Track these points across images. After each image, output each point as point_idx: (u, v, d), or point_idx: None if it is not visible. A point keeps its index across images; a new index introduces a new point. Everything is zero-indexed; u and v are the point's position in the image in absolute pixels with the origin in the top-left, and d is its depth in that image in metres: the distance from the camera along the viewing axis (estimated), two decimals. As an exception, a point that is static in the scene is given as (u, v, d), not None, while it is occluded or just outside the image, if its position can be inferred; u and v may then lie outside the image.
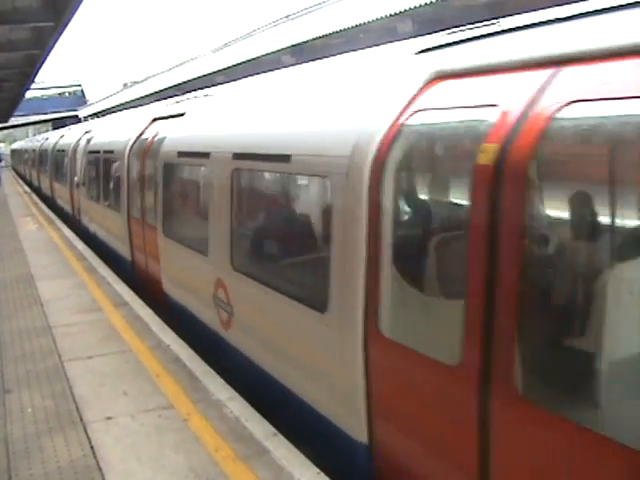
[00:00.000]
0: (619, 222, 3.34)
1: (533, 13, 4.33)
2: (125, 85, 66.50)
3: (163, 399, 6.12)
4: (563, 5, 4.12)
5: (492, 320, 3.43)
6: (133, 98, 53.02)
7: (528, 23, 4.19)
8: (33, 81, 30.69)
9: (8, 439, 5.49)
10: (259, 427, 5.44)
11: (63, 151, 22.44)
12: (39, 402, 6.22)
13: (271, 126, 6.47)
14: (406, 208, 4.87)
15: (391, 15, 20.06)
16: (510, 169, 3.37)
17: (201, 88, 11.57)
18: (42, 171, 31.43)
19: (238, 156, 6.69)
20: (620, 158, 3.28)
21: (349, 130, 4.82)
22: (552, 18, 4.03)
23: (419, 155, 4.69)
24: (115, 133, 14.22)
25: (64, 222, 20.06)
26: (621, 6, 3.54)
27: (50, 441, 5.42)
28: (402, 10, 19.49)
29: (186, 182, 9.41)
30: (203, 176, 8.19)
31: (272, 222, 7.03)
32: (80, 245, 15.38)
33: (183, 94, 12.88)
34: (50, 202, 26.52)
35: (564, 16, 3.94)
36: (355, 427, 4.67)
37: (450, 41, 4.74)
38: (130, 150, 11.62)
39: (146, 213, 10.57)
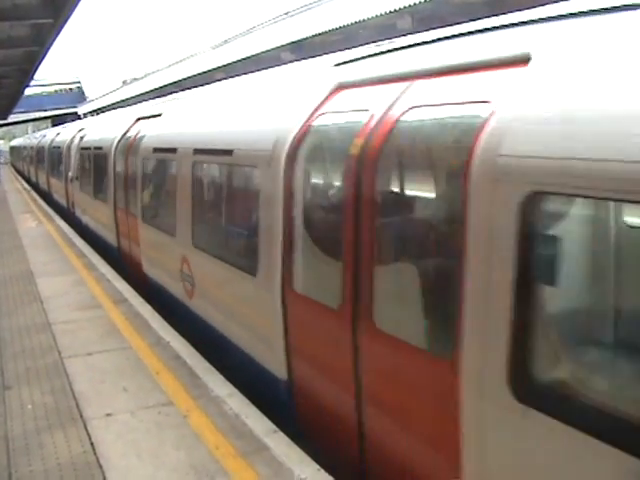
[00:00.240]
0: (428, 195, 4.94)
1: (420, 34, 5.51)
2: (124, 82, 66.40)
3: (163, 396, 6.13)
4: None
5: (359, 273, 4.59)
6: (132, 95, 52.96)
7: (411, 43, 5.34)
8: (32, 78, 30.63)
9: (8, 436, 5.50)
10: (259, 424, 5.44)
11: (59, 148, 23.75)
12: (39, 399, 6.23)
13: (220, 126, 7.95)
14: (309, 189, 5.92)
15: (390, 12, 20.05)
16: (366, 159, 4.60)
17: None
18: (39, 167, 32.91)
19: (197, 151, 8.04)
20: (434, 151, 4.67)
21: (272, 129, 6.04)
22: (428, 39, 5.13)
23: (318, 148, 5.79)
24: (104, 131, 15.46)
25: (60, 215, 21.06)
26: (470, 32, 4.73)
27: (50, 438, 5.42)
28: (401, 7, 19.48)
29: (159, 174, 10.46)
30: (172, 169, 9.32)
31: (220, 205, 8.13)
32: (79, 242, 15.39)
33: (171, 94, 14.43)
34: (47, 197, 27.51)
35: (434, 38, 5.06)
36: (278, 366, 5.80)
37: (358, 56, 5.96)
38: (116, 147, 12.95)
39: (129, 203, 11.79)
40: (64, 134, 24.40)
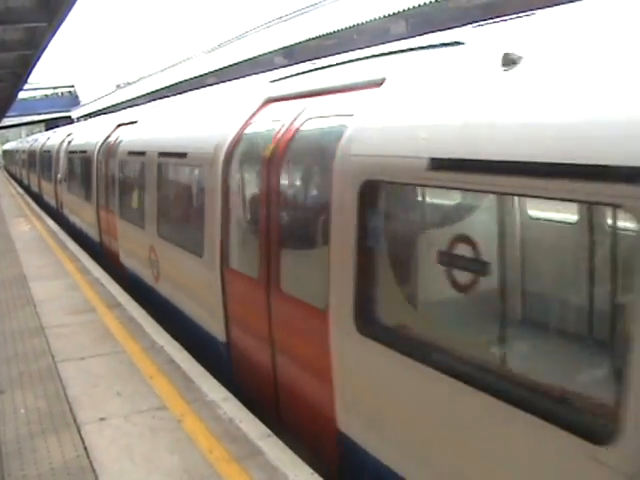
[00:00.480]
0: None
1: (329, 58, 6.65)
2: (118, 86, 66.33)
3: (157, 400, 6.11)
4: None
5: (269, 247, 5.87)
6: (126, 99, 52.90)
7: (322, 65, 6.49)
8: (26, 82, 30.61)
9: (1, 440, 5.48)
10: (253, 428, 5.44)
11: (49, 152, 25.02)
12: (32, 403, 6.21)
13: (178, 133, 9.34)
14: (239, 184, 7.01)
15: (385, 16, 20.09)
16: (274, 160, 5.90)
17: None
18: (31, 170, 34.47)
19: (161, 154, 9.35)
20: (317, 153, 5.69)
21: (215, 135, 7.25)
22: (333, 63, 6.25)
23: (246, 151, 6.84)
24: (89, 136, 16.70)
25: (50, 216, 22.21)
26: (356, 59, 5.86)
27: (43, 442, 5.41)
28: (396, 11, 19.51)
29: (132, 174, 11.62)
30: (142, 170, 10.56)
31: (177, 199, 9.43)
32: (72, 245, 15.37)
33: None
34: (39, 199, 28.66)
35: (337, 62, 6.17)
36: (219, 331, 7.00)
37: (287, 74, 7.18)
38: (99, 150, 14.22)
39: (109, 202, 13.03)
40: (54, 138, 25.52)
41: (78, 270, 12.28)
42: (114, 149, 12.66)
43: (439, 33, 5.19)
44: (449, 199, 5.11)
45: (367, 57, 5.71)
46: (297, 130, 5.72)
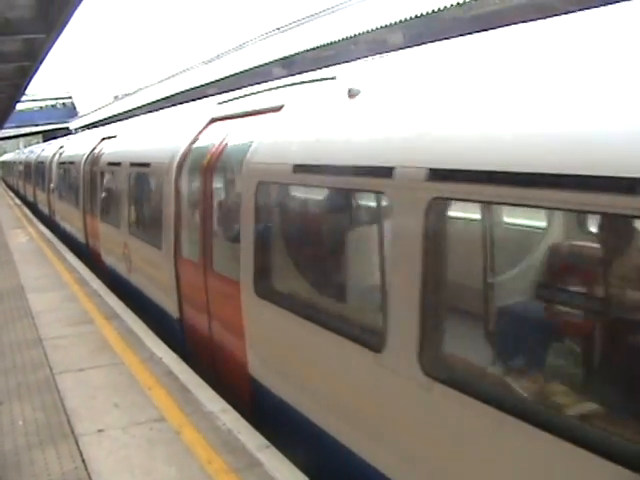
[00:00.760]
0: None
1: (261, 85, 8.01)
2: (116, 97, 66.36)
3: (155, 411, 6.11)
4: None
5: (204, 237, 7.47)
6: (124, 110, 52.94)
7: (253, 92, 7.82)
8: (24, 93, 30.62)
9: (-1, 452, 5.47)
10: (251, 439, 5.44)
11: (43, 163, 26.94)
12: (30, 415, 6.21)
13: (145, 146, 11.26)
14: (187, 188, 8.40)
15: (381, 27, 20.14)
16: (208, 168, 7.50)
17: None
18: (27, 180, 36.24)
19: (132, 164, 11.11)
20: (234, 162, 7.05)
21: (170, 149, 8.77)
22: (261, 89, 7.66)
23: (193, 162, 8.22)
24: (78, 148, 18.43)
25: (44, 223, 23.67)
26: (281, 86, 7.13)
27: (41, 454, 5.40)
28: (392, 22, 19.57)
29: (111, 182, 13.27)
30: (118, 178, 12.24)
31: (143, 202, 11.11)
32: (71, 257, 15.37)
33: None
34: (34, 207, 30.30)
35: (264, 89, 7.59)
36: (174, 309, 8.47)
37: (230, 98, 8.49)
38: (85, 161, 15.90)
39: (93, 207, 14.68)
40: (48, 150, 27.37)
41: (76, 281, 12.28)
42: (97, 160, 14.46)
43: (324, 69, 6.74)
44: (308, 193, 6.30)
45: (285, 85, 7.05)
46: (225, 144, 7.33)
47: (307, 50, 24.66)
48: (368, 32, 20.88)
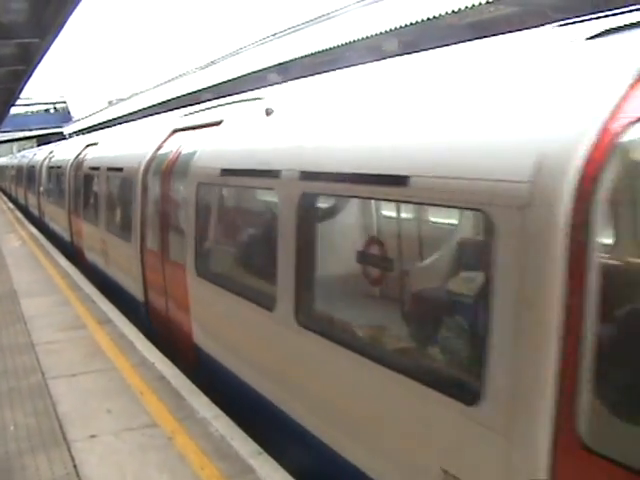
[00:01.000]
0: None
1: (214, 101, 9.37)
2: (110, 102, 66.26)
3: (147, 417, 6.08)
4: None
5: (162, 229, 8.77)
6: (118, 115, 52.87)
7: (209, 107, 9.03)
8: (18, 97, 30.58)
9: (-11, 458, 5.42)
10: (244, 446, 5.42)
11: (34, 167, 28.14)
12: (22, 420, 6.16)
13: (118, 152, 12.76)
14: (151, 189, 9.48)
15: (377, 34, 20.19)
16: (165, 173, 8.78)
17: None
18: (19, 184, 37.36)
19: (108, 169, 12.54)
20: (181, 167, 8.19)
21: (139, 155, 10.07)
22: (210, 106, 9.01)
23: (156, 167, 9.36)
24: (65, 154, 19.81)
25: (34, 225, 24.73)
26: (230, 103, 8.27)
27: (32, 460, 5.36)
28: (387, 30, 19.62)
29: (92, 185, 14.48)
30: (97, 181, 13.78)
31: (117, 201, 12.10)
32: (63, 262, 15.33)
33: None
34: (25, 210, 31.59)
35: (214, 105, 8.94)
36: (140, 294, 9.70)
37: (192, 111, 9.68)
38: (70, 165, 17.27)
39: (77, 208, 15.99)
40: (38, 155, 28.83)
41: (69, 286, 12.24)
42: (81, 165, 15.89)
43: (255, 90, 8.31)
44: (230, 191, 7.69)
45: (228, 103, 8.28)
46: (180, 152, 8.54)
47: (303, 56, 24.70)
48: (364, 39, 20.92)
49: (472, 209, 3.75)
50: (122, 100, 58.94)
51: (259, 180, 5.97)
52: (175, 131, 9.30)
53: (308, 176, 5.03)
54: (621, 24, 3.56)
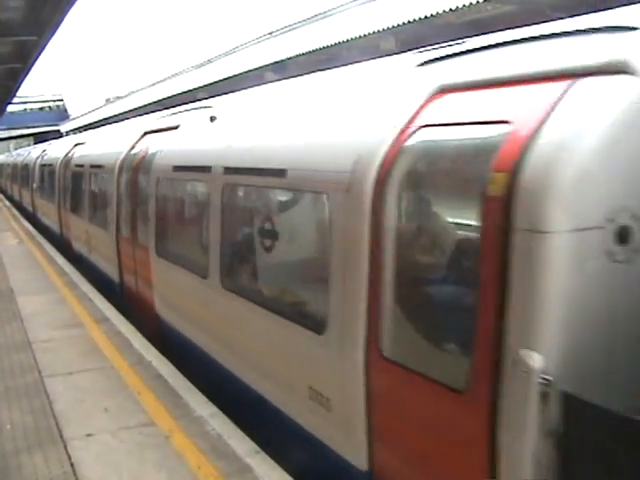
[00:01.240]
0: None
1: (188, 104, 10.66)
2: (107, 100, 66.10)
3: (144, 416, 6.07)
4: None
5: (132, 218, 10.28)
6: (115, 113, 52.77)
7: (181, 110, 10.10)
8: (15, 95, 30.52)
9: (-14, 457, 5.41)
10: (241, 444, 5.41)
11: (27, 165, 29.65)
12: (18, 418, 6.15)
13: (98, 151, 14.46)
14: (126, 185, 10.96)
15: (374, 32, 20.16)
16: (135, 169, 10.24)
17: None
18: (14, 181, 39.00)
19: (91, 166, 14.11)
20: (156, 165, 9.07)
21: (116, 153, 11.52)
22: (182, 110, 10.11)
23: (128, 165, 10.71)
24: (56, 152, 21.47)
25: (28, 220, 26.01)
26: (196, 108, 9.59)
27: (29, 458, 5.35)
28: (384, 28, 19.59)
29: (78, 181, 15.71)
30: (82, 177, 15.12)
31: (98, 195, 13.51)
32: (60, 260, 15.32)
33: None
34: (19, 206, 33.10)
35: (180, 110, 10.27)
36: (116, 277, 11.01)
37: (163, 115, 10.86)
38: (60, 163, 18.78)
39: (66, 202, 17.36)
40: (33, 153, 30.08)
41: (65, 284, 12.22)
42: (69, 162, 17.32)
43: (209, 99, 10.04)
44: (180, 184, 8.96)
45: (186, 110, 9.67)
46: (146, 151, 9.87)
47: (299, 55, 24.67)
48: (361, 37, 20.88)
49: (322, 192, 4.98)
50: (120, 98, 58.82)
51: (198, 174, 7.55)
52: (146, 133, 10.67)
53: (227, 171, 6.58)
54: (450, 52, 4.63)
